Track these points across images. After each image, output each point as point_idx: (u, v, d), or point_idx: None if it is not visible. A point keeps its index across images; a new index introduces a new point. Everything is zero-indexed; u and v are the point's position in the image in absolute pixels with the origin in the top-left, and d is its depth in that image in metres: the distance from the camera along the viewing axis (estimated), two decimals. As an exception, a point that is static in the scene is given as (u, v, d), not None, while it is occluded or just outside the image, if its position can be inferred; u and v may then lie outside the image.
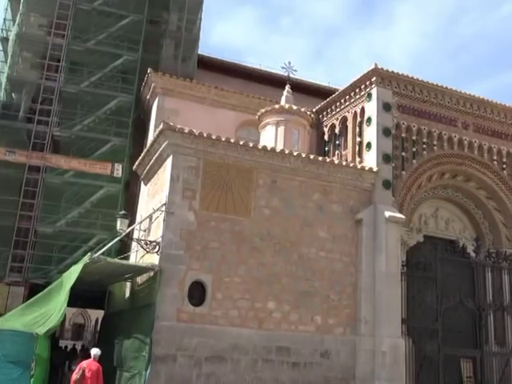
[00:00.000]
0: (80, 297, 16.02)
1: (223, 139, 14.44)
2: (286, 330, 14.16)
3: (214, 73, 22.48)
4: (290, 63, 19.87)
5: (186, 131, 14.05)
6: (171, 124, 14.14)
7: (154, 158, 15.47)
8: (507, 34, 51.35)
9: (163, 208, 13.65)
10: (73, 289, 11.88)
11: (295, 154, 15.41)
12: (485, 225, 19.01)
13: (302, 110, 18.53)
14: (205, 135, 14.21)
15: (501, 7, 50.23)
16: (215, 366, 13.12)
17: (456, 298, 16.61)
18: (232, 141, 14.63)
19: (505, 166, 18.67)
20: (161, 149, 14.68)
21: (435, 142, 17.65)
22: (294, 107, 18.36)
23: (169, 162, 14.20)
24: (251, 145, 14.85)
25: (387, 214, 15.63)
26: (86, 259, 12.13)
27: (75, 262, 13.99)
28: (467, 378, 16.39)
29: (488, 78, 50.60)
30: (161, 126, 14.14)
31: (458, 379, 16.33)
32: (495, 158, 18.58)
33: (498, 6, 50.55)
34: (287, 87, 19.48)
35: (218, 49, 50.53)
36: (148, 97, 20.79)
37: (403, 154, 17.04)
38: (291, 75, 20.01)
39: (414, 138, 17.40)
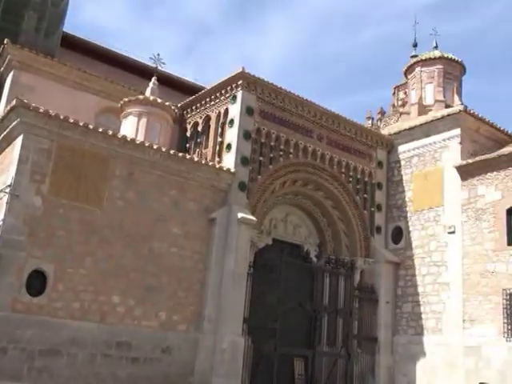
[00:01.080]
0: None
1: (81, 124, 13.76)
2: (129, 325, 13.82)
3: (79, 54, 21.24)
4: (158, 55, 19.64)
5: (41, 111, 13.21)
6: (25, 101, 13.19)
7: (3, 135, 14.28)
8: (363, 58, 55.00)
9: (7, 190, 12.72)
10: None
11: (155, 147, 15.12)
12: (328, 232, 19.89)
13: (167, 103, 18.23)
14: (61, 117, 13.47)
15: (362, 32, 53.51)
16: (49, 359, 12.42)
17: (296, 300, 17.28)
18: (90, 126, 14.01)
19: (351, 179, 19.72)
20: (11, 126, 13.62)
21: (291, 150, 18.10)
22: (159, 100, 18.03)
23: (18, 142, 13.26)
24: (110, 133, 14.32)
25: (240, 215, 15.84)
26: None
27: None
28: (298, 375, 17.21)
29: (344, 96, 53.81)
30: (13, 102, 13.13)
31: (291, 377, 17.08)
32: (343, 170, 19.50)
33: (358, 31, 53.85)
34: (153, 79, 19.06)
35: (86, 29, 48.22)
36: (2, 69, 19.09)
37: (261, 158, 17.32)
38: (159, 67, 19.69)
39: (273, 144, 17.70)
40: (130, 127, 17.50)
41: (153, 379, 13.85)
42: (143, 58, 21.65)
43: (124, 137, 14.68)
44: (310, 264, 18.62)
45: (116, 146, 14.34)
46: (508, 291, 16.33)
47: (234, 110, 17.29)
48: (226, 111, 17.69)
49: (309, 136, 18.76)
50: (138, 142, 14.86)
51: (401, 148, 20.74)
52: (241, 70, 17.10)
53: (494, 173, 17.62)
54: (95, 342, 13.19)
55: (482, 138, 19.55)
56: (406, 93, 23.99)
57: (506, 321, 16.17)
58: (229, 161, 16.77)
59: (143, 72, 20.96)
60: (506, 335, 16.07)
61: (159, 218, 14.89)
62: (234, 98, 17.39)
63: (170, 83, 21.89)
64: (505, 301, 16.31)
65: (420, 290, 18.71)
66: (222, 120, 17.83)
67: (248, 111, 17.24)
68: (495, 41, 51.52)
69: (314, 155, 18.77)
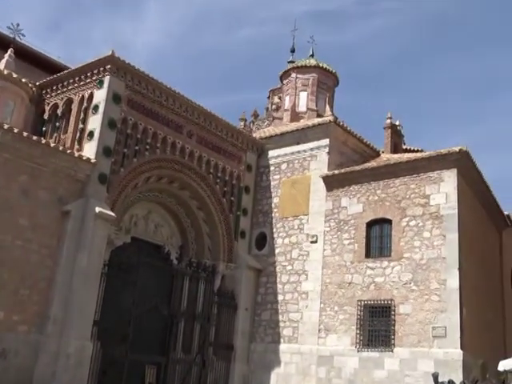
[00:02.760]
0: None
1: None
2: (-41, 325, 12.79)
3: None
4: (18, 25, 18.52)
5: None
6: None
7: None
8: (243, 57, 56.16)
9: None
10: None
11: (6, 127, 14.15)
12: (192, 234, 19.91)
13: (24, 80, 17.20)
14: None
15: (242, 31, 54.61)
16: None
17: (152, 304, 17.07)
18: None
19: (218, 180, 19.91)
20: None
21: (159, 145, 17.92)
22: (14, 75, 16.93)
23: None
24: (-47, 106, 13.20)
25: (98, 209, 15.38)
26: None
27: None
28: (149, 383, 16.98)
29: (221, 94, 54.40)
30: None
31: (141, 385, 16.92)
32: (211, 171, 19.67)
33: (238, 29, 54.89)
34: (10, 51, 17.79)
35: None
36: None
37: (125, 150, 16.94)
38: (17, 39, 18.59)
39: (139, 136, 17.41)
40: (-22, 102, 16.27)
41: (-18, 387, 12.92)
42: (0, 26, 20.12)
43: (-31, 112, 13.62)
44: (170, 266, 18.41)
45: (-41, 121, 13.28)
46: (362, 303, 17.38)
47: (100, 96, 16.68)
48: (91, 96, 17.04)
49: (178, 132, 18.71)
50: (-15, 120, 13.87)
51: (271, 153, 21.34)
52: (110, 53, 16.56)
53: (358, 186, 18.66)
54: None
55: (349, 151, 20.72)
56: (280, 97, 24.92)
57: (358, 332, 17.19)
58: (90, 150, 16.13)
59: (-2, 42, 19.63)
60: (357, 346, 17.07)
61: (4, 206, 13.91)
62: (101, 82, 16.82)
63: (29, 58, 20.36)
64: (359, 312, 17.35)
65: (280, 298, 19.34)
66: (85, 105, 17.14)
67: (115, 98, 16.76)
68: (370, 56, 55.42)
69: (182, 152, 18.71)
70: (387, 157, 20.27)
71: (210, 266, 19.33)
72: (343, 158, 20.24)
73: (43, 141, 15.27)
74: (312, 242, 19.17)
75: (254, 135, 22.35)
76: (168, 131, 18.31)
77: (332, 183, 19.23)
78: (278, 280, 19.59)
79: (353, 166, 19.45)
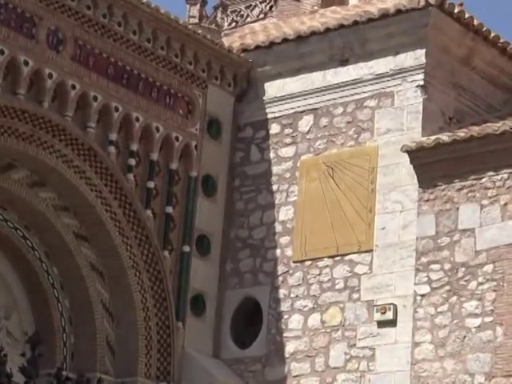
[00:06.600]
0: None
1: None
2: None
3: None
4: None
5: None
6: None
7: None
8: None
9: None
10: None
11: None
12: (63, 306, 18.98)
13: None
14: None
15: None
16: None
17: None
18: None
19: (134, 160, 18.86)
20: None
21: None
22: None
23: None
24: None
25: None
26: None
27: None
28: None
29: None
30: None
31: None
32: (115, 138, 18.48)
33: None
34: None
35: None
36: None
37: None
38: None
39: None
40: None
41: None
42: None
43: None
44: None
45: None
46: None
47: None
48: None
49: (27, 35, 18.07)
50: None
51: (272, 88, 20.51)
52: None
53: (502, 175, 17.93)
54: None
55: (478, 81, 19.94)
56: None
57: None
58: None
59: None
60: None
61: None
62: None
63: None
64: None
65: None
66: None
67: None
68: None
69: (36, 89, 17.73)
70: None
71: (112, 392, 17.31)
72: (462, 100, 19.53)
73: None
74: (382, 324, 18.34)
75: (226, 42, 21.64)
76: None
77: (433, 168, 18.57)
78: (294, 426, 17.77)
79: (489, 122, 18.41)
